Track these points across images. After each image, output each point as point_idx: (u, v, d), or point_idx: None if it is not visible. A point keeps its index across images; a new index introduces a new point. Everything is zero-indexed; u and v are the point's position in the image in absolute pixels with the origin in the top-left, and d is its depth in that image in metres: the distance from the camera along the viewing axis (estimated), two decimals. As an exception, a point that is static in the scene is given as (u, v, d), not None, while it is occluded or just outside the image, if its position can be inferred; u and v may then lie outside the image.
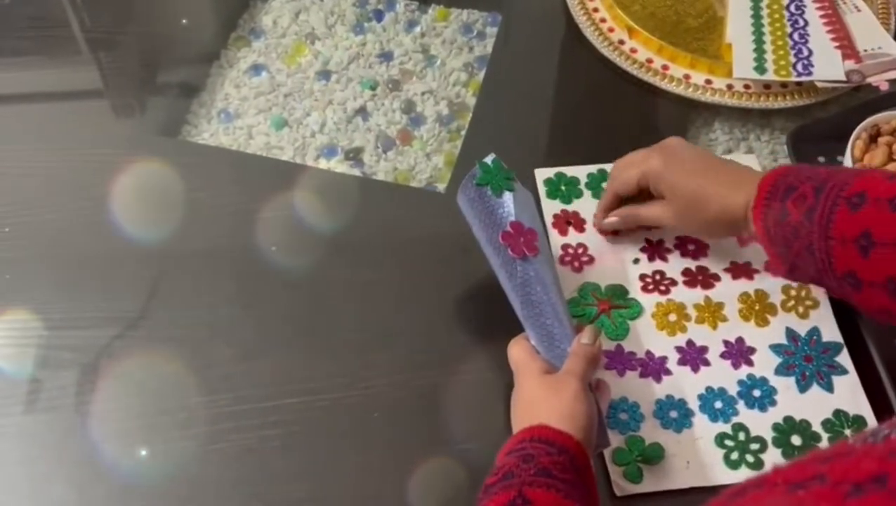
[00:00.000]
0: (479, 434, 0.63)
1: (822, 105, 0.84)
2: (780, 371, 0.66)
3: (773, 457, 0.62)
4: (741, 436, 0.62)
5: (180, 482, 0.62)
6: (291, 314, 0.70)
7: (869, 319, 0.64)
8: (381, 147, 0.84)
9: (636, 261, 0.72)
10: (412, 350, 0.68)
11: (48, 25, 0.93)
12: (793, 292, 0.69)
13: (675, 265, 0.71)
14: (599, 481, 0.57)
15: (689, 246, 0.72)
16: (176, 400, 0.65)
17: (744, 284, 0.70)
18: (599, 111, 0.86)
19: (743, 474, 0.61)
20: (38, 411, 0.65)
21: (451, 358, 0.67)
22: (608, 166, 0.77)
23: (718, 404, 0.64)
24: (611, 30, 0.90)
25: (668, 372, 0.66)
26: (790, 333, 0.67)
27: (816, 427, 0.63)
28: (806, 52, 0.83)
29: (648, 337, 0.68)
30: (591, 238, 0.73)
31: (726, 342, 0.67)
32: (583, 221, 0.74)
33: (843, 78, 0.80)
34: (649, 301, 0.69)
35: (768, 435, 0.63)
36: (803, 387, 0.65)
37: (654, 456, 0.61)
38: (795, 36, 0.85)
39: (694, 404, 0.64)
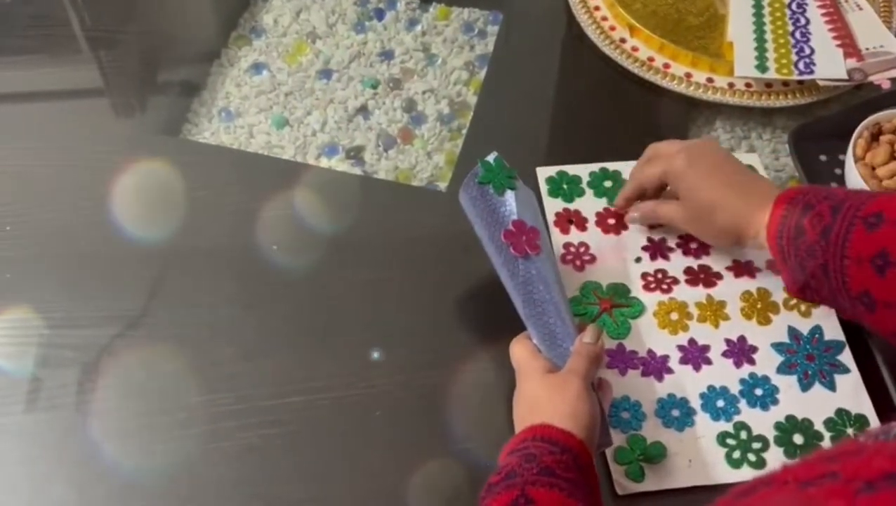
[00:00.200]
0: (481, 433, 0.63)
1: (824, 103, 0.84)
2: (782, 370, 0.65)
3: (775, 456, 0.61)
4: (743, 435, 0.62)
5: (181, 481, 0.61)
6: (292, 313, 0.70)
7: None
8: (383, 146, 0.84)
9: (638, 260, 0.72)
10: (413, 349, 0.67)
11: (49, 24, 0.93)
12: (795, 291, 0.69)
13: (676, 264, 0.71)
14: (601, 480, 0.56)
15: (691, 245, 0.72)
16: (177, 399, 0.65)
17: (746, 283, 0.70)
18: (601, 110, 0.86)
19: (745, 473, 0.61)
20: (38, 410, 0.65)
21: (452, 357, 0.66)
22: (610, 165, 0.77)
23: (720, 403, 0.64)
24: (612, 28, 0.90)
25: (669, 371, 0.66)
26: (792, 332, 0.67)
27: (818, 426, 0.63)
28: (807, 51, 0.83)
29: (650, 336, 0.68)
30: (592, 237, 0.73)
31: (728, 341, 0.67)
32: (584, 220, 0.74)
33: (845, 76, 0.80)
34: (651, 300, 0.69)
35: (770, 434, 0.62)
36: (805, 386, 0.65)
37: (655, 455, 0.61)
38: (797, 34, 0.85)
39: (696, 403, 0.64)
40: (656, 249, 0.72)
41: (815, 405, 0.64)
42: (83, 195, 0.77)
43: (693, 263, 0.71)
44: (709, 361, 0.66)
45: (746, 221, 0.63)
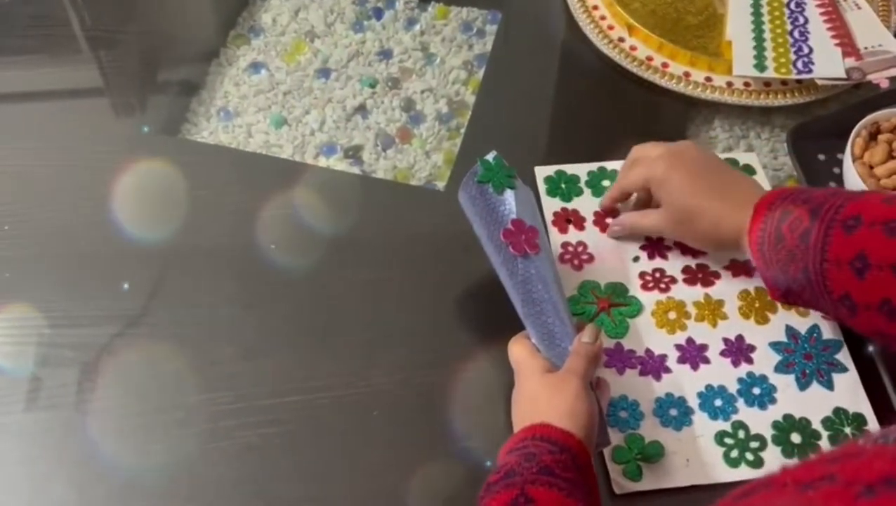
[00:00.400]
0: (480, 433, 0.63)
1: (822, 103, 0.84)
2: (779, 369, 0.66)
3: (772, 455, 0.62)
4: (741, 434, 0.63)
5: (180, 480, 0.62)
6: (291, 312, 0.70)
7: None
8: (381, 145, 0.84)
9: (636, 259, 0.72)
10: (412, 348, 0.68)
11: (49, 24, 0.93)
12: (793, 290, 0.69)
13: (675, 263, 0.71)
14: (599, 480, 0.57)
15: (689, 244, 0.73)
16: (176, 398, 0.65)
17: (744, 282, 0.70)
18: (599, 109, 0.86)
19: (743, 472, 0.61)
20: (38, 410, 0.65)
21: (451, 356, 0.67)
22: (608, 164, 0.77)
23: (718, 402, 0.64)
24: (610, 27, 0.90)
25: (667, 370, 0.66)
26: (790, 331, 0.67)
27: (816, 425, 0.63)
28: (806, 50, 0.83)
29: (648, 335, 0.68)
30: (591, 236, 0.73)
31: (726, 340, 0.67)
32: (583, 219, 0.74)
33: (844, 75, 0.80)
34: (649, 299, 0.69)
35: (768, 433, 0.63)
36: (803, 385, 0.65)
37: (653, 454, 0.61)
38: (796, 33, 0.85)
39: (694, 402, 0.64)
40: (654, 248, 0.72)
41: (813, 404, 0.64)
42: (82, 195, 0.77)
43: (691, 262, 0.71)
44: (707, 361, 0.66)
45: (728, 227, 0.63)
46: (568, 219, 0.74)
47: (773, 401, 0.64)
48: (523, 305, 0.61)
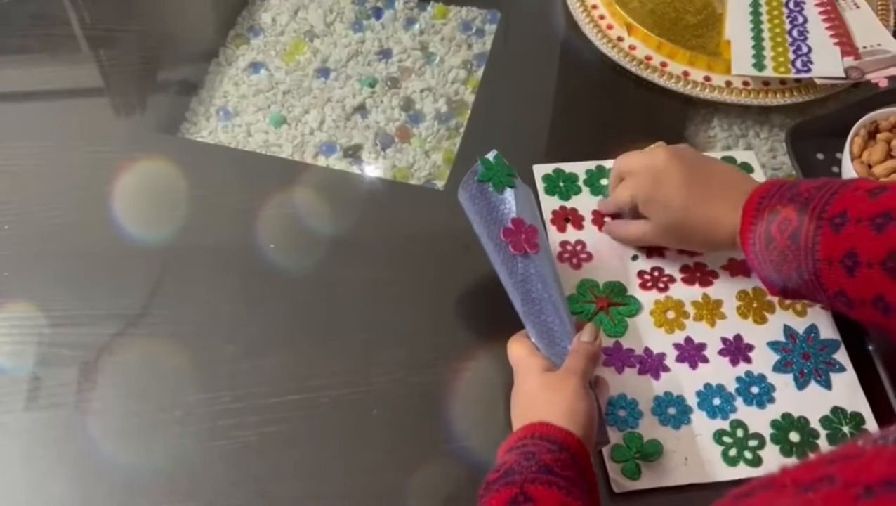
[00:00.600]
0: (480, 431, 0.63)
1: (821, 102, 0.84)
2: (777, 368, 0.66)
3: (771, 454, 0.62)
4: (739, 433, 0.63)
5: (181, 479, 0.62)
6: (290, 311, 0.70)
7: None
8: (380, 144, 0.84)
9: (635, 258, 0.72)
10: (412, 347, 0.68)
11: (48, 24, 0.93)
12: (791, 289, 0.69)
13: (673, 262, 0.72)
14: (598, 478, 0.57)
15: (688, 243, 0.73)
16: (176, 397, 0.65)
17: (742, 282, 0.70)
18: (598, 108, 0.86)
19: (741, 471, 0.61)
20: (38, 409, 0.65)
21: (450, 355, 0.67)
22: (607, 163, 0.77)
23: (717, 401, 0.64)
24: (609, 27, 0.90)
25: (666, 369, 0.66)
26: (788, 331, 0.68)
27: (814, 424, 0.63)
28: (805, 49, 0.83)
29: (647, 334, 0.68)
30: (589, 235, 0.73)
31: (724, 339, 0.67)
32: (581, 218, 0.74)
33: (842, 75, 0.80)
34: (648, 298, 0.70)
35: (766, 432, 0.63)
36: (801, 384, 0.65)
37: (652, 453, 0.61)
38: (794, 33, 0.85)
39: (692, 401, 0.64)
40: (653, 247, 0.72)
41: (811, 403, 0.64)
42: (82, 194, 0.77)
43: (689, 261, 0.72)
44: (705, 360, 0.66)
45: (721, 231, 0.63)
46: (566, 218, 0.74)
47: (771, 400, 0.64)
48: (523, 304, 0.61)
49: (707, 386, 0.65)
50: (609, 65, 0.88)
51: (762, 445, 0.62)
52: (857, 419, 0.63)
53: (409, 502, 0.61)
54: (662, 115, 0.86)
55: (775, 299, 0.69)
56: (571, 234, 0.74)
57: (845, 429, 0.63)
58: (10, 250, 0.74)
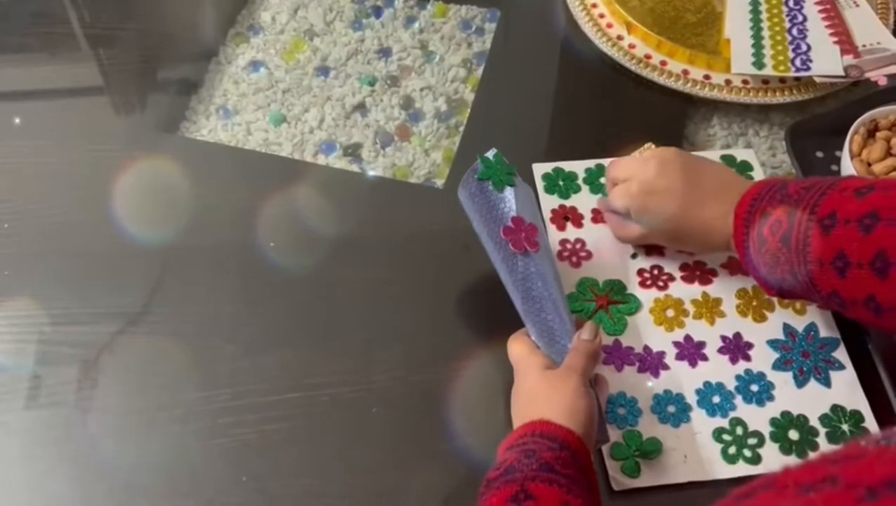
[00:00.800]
0: (480, 429, 0.63)
1: (821, 100, 0.84)
2: (777, 366, 0.66)
3: (770, 452, 0.62)
4: (739, 431, 0.63)
5: (181, 477, 0.62)
6: (290, 310, 0.70)
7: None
8: (380, 143, 0.84)
9: (634, 256, 0.72)
10: (412, 345, 0.68)
11: (48, 22, 0.93)
12: (790, 288, 0.69)
13: (673, 261, 0.72)
14: (597, 476, 0.57)
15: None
16: (176, 396, 0.65)
17: (741, 281, 0.70)
18: (598, 107, 0.86)
19: (740, 469, 0.61)
20: (38, 407, 0.65)
21: (451, 353, 0.67)
22: (606, 161, 0.77)
23: (716, 399, 0.64)
24: (609, 25, 0.90)
25: (665, 367, 0.66)
26: (787, 329, 0.68)
27: (814, 422, 0.63)
28: (804, 48, 0.83)
29: (646, 332, 0.68)
30: (589, 233, 0.73)
31: (724, 338, 0.67)
32: (581, 217, 0.74)
33: (842, 73, 0.80)
34: (647, 296, 0.70)
35: (766, 430, 0.63)
36: (801, 382, 0.65)
37: (651, 451, 0.61)
38: (794, 31, 0.85)
39: (692, 399, 0.64)
40: (652, 246, 0.72)
41: (811, 401, 0.64)
42: (82, 193, 0.77)
43: (689, 259, 0.72)
44: (705, 358, 0.66)
45: (716, 235, 0.63)
46: (566, 216, 0.75)
47: (770, 398, 0.64)
48: (523, 303, 0.62)
49: (706, 384, 0.65)
50: (609, 63, 0.88)
51: (761, 443, 0.62)
52: (856, 417, 0.63)
53: (408, 500, 0.61)
54: (662, 114, 0.86)
55: (775, 298, 0.69)
56: (571, 232, 0.74)
57: (844, 427, 0.63)
58: (11, 249, 0.74)
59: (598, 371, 0.62)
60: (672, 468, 0.61)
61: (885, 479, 0.27)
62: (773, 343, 0.67)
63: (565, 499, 0.49)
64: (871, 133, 0.74)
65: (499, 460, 0.54)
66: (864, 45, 0.83)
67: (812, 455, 0.48)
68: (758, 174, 0.77)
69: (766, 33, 0.85)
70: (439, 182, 0.81)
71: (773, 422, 0.63)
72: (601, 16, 0.91)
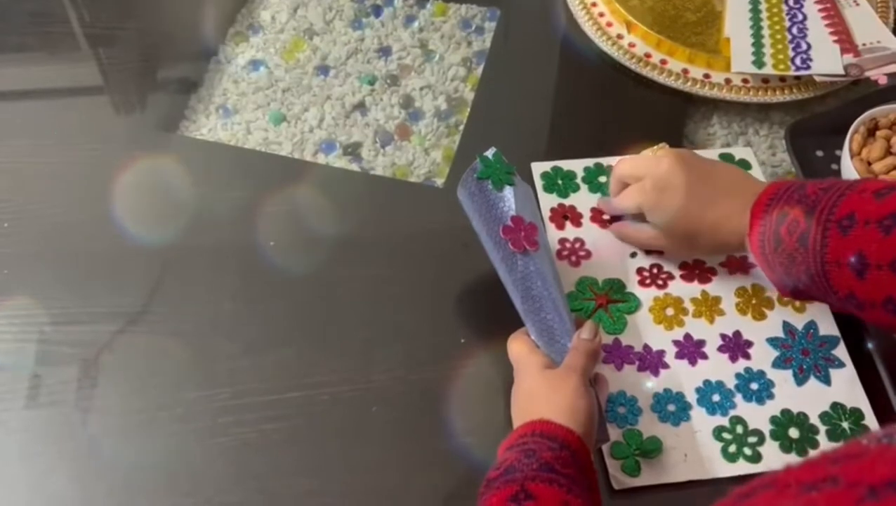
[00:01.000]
0: (480, 429, 0.63)
1: (821, 99, 0.84)
2: (777, 364, 0.66)
3: (770, 450, 0.62)
4: (739, 429, 0.63)
5: (181, 477, 0.62)
6: (290, 309, 0.70)
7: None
8: (380, 142, 0.84)
9: (633, 255, 0.72)
10: (412, 344, 0.68)
11: (48, 22, 0.93)
12: (790, 286, 0.69)
13: (672, 259, 0.72)
14: (598, 476, 0.57)
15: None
16: (176, 395, 0.65)
17: (741, 279, 0.70)
18: (597, 105, 0.86)
19: (741, 467, 0.61)
20: (38, 406, 0.65)
21: (450, 353, 0.67)
22: (605, 160, 0.77)
23: (716, 398, 0.64)
24: (609, 24, 0.90)
25: (665, 366, 0.66)
26: (787, 327, 0.68)
27: (814, 420, 0.63)
28: (804, 47, 0.83)
29: (646, 331, 0.68)
30: (588, 232, 0.73)
31: (723, 336, 0.67)
32: (580, 215, 0.74)
33: (842, 72, 0.80)
34: (647, 295, 0.70)
35: (766, 428, 0.63)
36: (801, 380, 0.65)
37: (651, 449, 0.61)
38: (794, 30, 0.85)
39: (692, 398, 0.64)
40: (653, 245, 0.72)
41: (811, 399, 0.64)
42: (82, 192, 0.77)
43: (688, 258, 0.72)
44: (704, 356, 0.66)
45: (729, 234, 0.63)
46: (565, 215, 0.75)
47: (770, 396, 0.64)
48: (522, 302, 0.62)
49: (706, 382, 0.65)
50: (608, 62, 0.88)
51: (762, 441, 0.62)
52: (856, 415, 0.63)
53: (408, 500, 0.61)
54: (662, 113, 0.86)
55: (774, 296, 0.69)
56: (570, 231, 0.74)
57: (845, 425, 0.63)
58: (10, 249, 0.74)
59: (597, 370, 0.62)
60: (672, 467, 0.61)
61: (886, 478, 0.27)
62: (772, 341, 0.67)
63: (565, 499, 0.49)
64: (871, 132, 0.74)
65: (499, 460, 0.54)
66: (863, 44, 0.83)
67: (813, 453, 0.48)
68: (756, 173, 0.76)
69: (765, 32, 0.85)
70: (439, 181, 0.81)
71: (774, 420, 0.63)
72: (601, 14, 0.91)
